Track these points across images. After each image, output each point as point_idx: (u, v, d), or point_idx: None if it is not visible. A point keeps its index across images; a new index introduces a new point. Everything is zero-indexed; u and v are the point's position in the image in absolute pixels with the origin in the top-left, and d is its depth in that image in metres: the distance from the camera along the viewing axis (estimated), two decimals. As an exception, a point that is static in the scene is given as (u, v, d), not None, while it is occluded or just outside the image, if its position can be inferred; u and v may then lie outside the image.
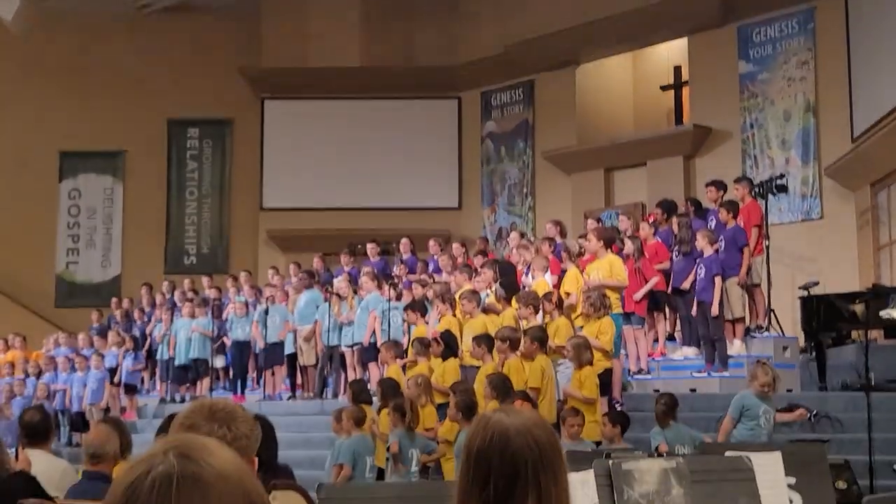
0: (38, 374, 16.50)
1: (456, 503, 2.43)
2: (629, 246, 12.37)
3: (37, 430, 6.52)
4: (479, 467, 2.37)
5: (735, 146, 17.36)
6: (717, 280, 11.52)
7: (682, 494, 3.89)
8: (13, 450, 7.33)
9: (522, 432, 2.38)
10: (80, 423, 15.55)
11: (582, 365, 9.53)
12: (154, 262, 21.51)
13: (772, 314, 12.49)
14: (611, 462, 3.96)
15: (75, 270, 22.13)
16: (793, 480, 4.95)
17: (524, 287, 11.90)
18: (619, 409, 10.17)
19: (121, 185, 22.26)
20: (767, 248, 12.34)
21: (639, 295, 12.17)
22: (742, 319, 12.05)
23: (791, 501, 4.90)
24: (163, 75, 21.64)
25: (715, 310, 11.50)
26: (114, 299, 19.00)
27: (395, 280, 14.21)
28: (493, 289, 11.57)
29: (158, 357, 16.27)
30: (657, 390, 10.96)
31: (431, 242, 15.93)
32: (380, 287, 13.64)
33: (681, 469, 3.93)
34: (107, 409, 15.17)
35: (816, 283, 12.86)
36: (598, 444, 8.88)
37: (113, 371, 15.99)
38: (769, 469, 4.84)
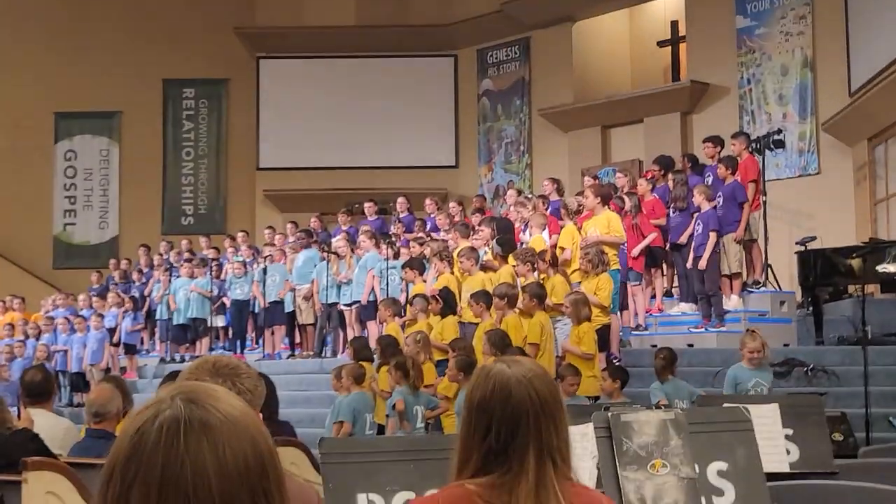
0: (38, 336, 16.54)
1: (458, 454, 2.46)
2: (627, 203, 12.40)
3: (38, 389, 6.55)
4: (481, 418, 2.40)
5: (732, 102, 17.33)
6: (712, 235, 11.54)
7: (680, 445, 3.93)
8: (15, 409, 7.39)
9: (523, 383, 2.40)
10: (80, 383, 15.62)
11: (580, 321, 9.57)
12: (151, 223, 21.52)
13: (769, 269, 12.52)
14: (610, 414, 4.00)
15: (73, 232, 22.12)
16: (790, 431, 5.01)
17: (521, 244, 11.93)
18: (617, 364, 10.21)
19: (117, 146, 22.20)
20: (764, 203, 12.35)
21: (636, 251, 12.22)
22: (739, 275, 12.08)
23: (788, 452, 4.96)
24: (158, 35, 21.51)
25: (703, 264, 11.53)
26: (112, 260, 19.04)
27: (393, 239, 14.22)
28: (491, 246, 11.58)
29: (157, 317, 16.30)
30: (655, 346, 11.01)
31: (428, 201, 15.93)
32: (378, 246, 13.66)
33: (679, 420, 3.97)
34: (107, 370, 15.22)
35: (814, 239, 12.89)
36: (595, 398, 8.93)
37: (112, 331, 16.04)
38: (767, 420, 4.90)
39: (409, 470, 3.61)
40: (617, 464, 3.87)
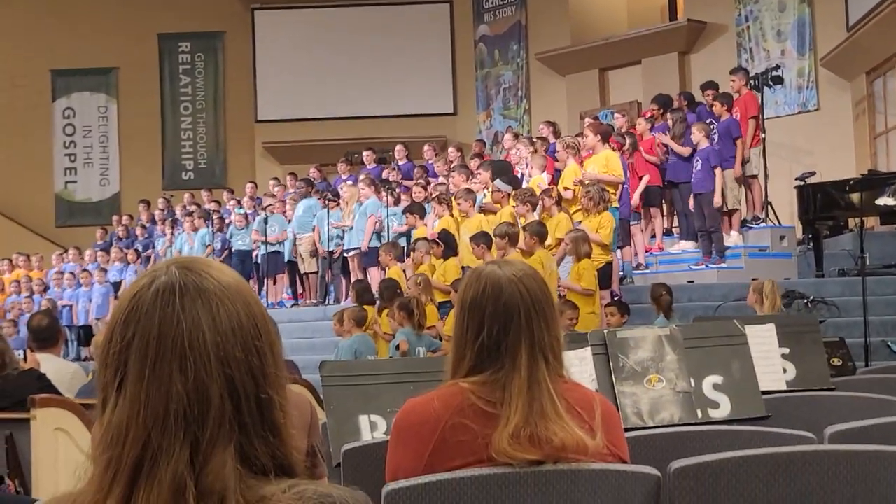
0: (44, 292, 16.65)
1: (452, 354, 2.51)
2: (626, 142, 12.39)
3: (45, 334, 6.60)
4: (473, 316, 2.45)
5: (730, 40, 17.24)
6: (718, 171, 11.55)
7: (675, 360, 4.00)
8: (21, 354, 7.47)
9: (514, 282, 2.45)
10: (87, 337, 15.74)
11: (580, 258, 9.63)
12: (152, 179, 21.55)
13: (769, 206, 12.55)
14: (606, 332, 4.07)
15: (74, 189, 22.15)
16: (786, 350, 5.06)
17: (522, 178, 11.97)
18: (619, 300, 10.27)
19: (115, 103, 22.16)
20: (764, 140, 12.34)
21: (635, 199, 12.22)
22: (737, 211, 12.12)
23: (785, 370, 5.01)
24: (152, -11, 21.46)
25: (718, 200, 11.55)
26: (114, 217, 19.10)
27: (392, 185, 14.25)
28: (493, 186, 11.58)
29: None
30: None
31: (426, 147, 15.93)
32: (377, 192, 13.69)
33: (674, 336, 4.03)
34: (113, 323, 15.31)
35: (813, 174, 12.90)
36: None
37: (117, 286, 16.14)
38: (763, 339, 4.95)
39: (410, 391, 3.65)
40: (613, 379, 3.94)
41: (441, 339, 9.61)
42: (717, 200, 11.56)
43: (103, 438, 1.36)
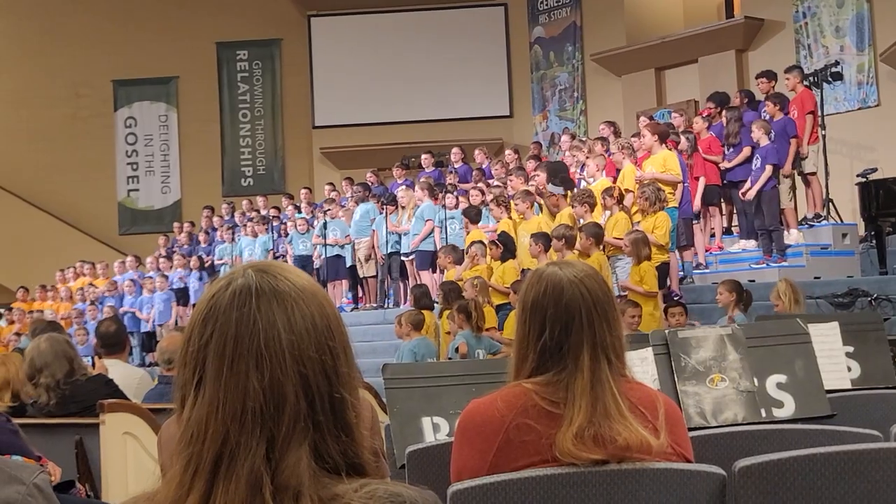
0: (103, 299, 16.93)
1: (514, 355, 2.54)
2: (683, 142, 12.32)
3: (112, 340, 6.73)
4: (535, 317, 2.47)
5: (788, 37, 17.06)
6: (768, 168, 11.45)
7: (738, 359, 3.98)
8: (89, 360, 7.61)
9: (575, 283, 2.47)
10: (150, 343, 15.97)
11: (640, 260, 9.60)
12: (212, 186, 21.82)
13: (830, 203, 12.40)
14: (667, 332, 4.06)
15: (136, 198, 22.51)
16: (851, 349, 5.01)
17: (579, 182, 11.94)
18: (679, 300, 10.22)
19: (175, 111, 22.48)
20: (824, 137, 12.20)
21: (697, 204, 12.13)
22: (790, 209, 12.01)
23: (850, 369, 4.97)
24: (210, -1, 21.78)
25: (750, 194, 11.45)
26: (175, 224, 19.38)
27: (449, 188, 14.29)
28: (548, 188, 11.57)
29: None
30: (716, 283, 10.98)
31: (477, 152, 15.96)
32: (433, 196, 13.74)
33: (737, 335, 4.01)
34: (177, 328, 15.52)
35: (875, 171, 12.71)
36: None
37: (179, 292, 16.36)
38: (827, 338, 4.91)
39: (472, 393, 3.69)
40: (676, 379, 3.93)
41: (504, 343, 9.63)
42: (750, 194, 11.44)
43: (183, 436, 1.40)
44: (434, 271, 13.07)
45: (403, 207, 14.06)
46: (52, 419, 5.29)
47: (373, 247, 14.60)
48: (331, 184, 17.45)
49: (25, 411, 5.28)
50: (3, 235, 20.65)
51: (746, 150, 11.95)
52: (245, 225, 16.63)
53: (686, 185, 11.55)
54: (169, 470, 1.43)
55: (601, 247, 10.09)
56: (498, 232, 11.40)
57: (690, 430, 2.87)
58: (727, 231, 13.13)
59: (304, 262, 15.43)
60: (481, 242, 11.39)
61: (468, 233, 12.63)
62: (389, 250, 14.07)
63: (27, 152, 21.54)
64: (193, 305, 15.41)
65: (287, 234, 16.16)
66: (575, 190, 11.45)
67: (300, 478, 1.37)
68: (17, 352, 7.37)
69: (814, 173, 12.18)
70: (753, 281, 11.54)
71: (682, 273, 11.62)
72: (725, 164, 12.37)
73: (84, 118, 21.92)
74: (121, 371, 6.50)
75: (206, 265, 16.92)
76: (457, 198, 13.81)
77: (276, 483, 1.36)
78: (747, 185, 11.59)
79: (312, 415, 1.40)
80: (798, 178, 12.18)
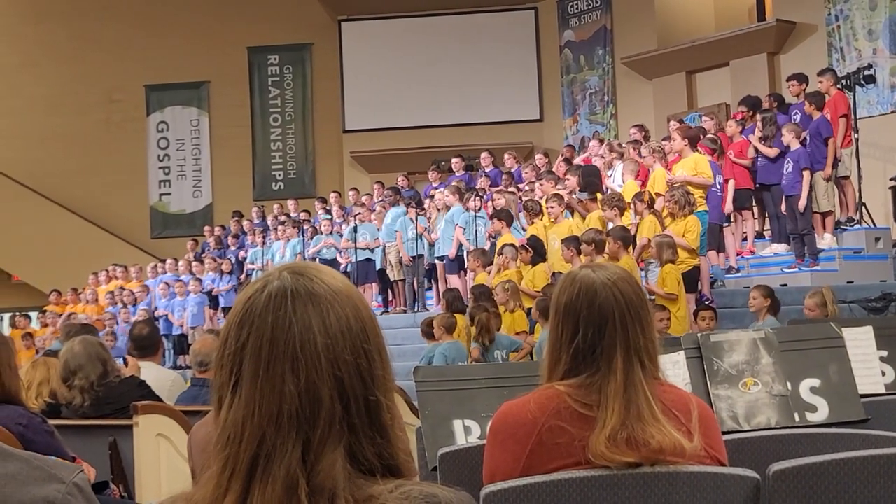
0: (135, 302, 17.03)
1: (547, 357, 2.54)
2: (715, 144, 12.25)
3: (146, 342, 6.77)
4: (568, 320, 2.47)
5: (820, 40, 16.94)
6: (806, 174, 11.37)
7: (771, 363, 3.96)
8: (121, 361, 7.65)
9: (608, 286, 2.47)
10: (183, 346, 16.06)
11: (663, 263, 9.59)
12: (243, 189, 21.96)
13: (863, 207, 12.30)
14: (699, 335, 4.04)
15: (168, 202, 22.68)
16: (885, 353, 4.97)
17: (607, 189, 11.90)
18: (709, 304, 10.17)
19: (206, 116, 22.64)
20: (856, 140, 12.10)
21: (728, 206, 12.03)
22: (831, 213, 11.89)
23: (884, 373, 4.93)
24: (241, 4, 21.88)
25: (803, 203, 11.37)
26: (206, 227, 19.49)
27: (479, 193, 14.28)
28: (576, 193, 11.55)
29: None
30: (748, 287, 10.92)
31: (507, 156, 15.94)
32: (461, 200, 13.73)
33: (769, 339, 3.99)
34: (209, 331, 15.60)
35: (909, 174, 12.63)
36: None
37: (210, 295, 16.44)
38: (861, 342, 4.87)
39: (503, 396, 3.68)
40: (708, 383, 3.92)
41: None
42: (802, 203, 11.36)
43: (220, 437, 1.41)
44: (464, 274, 13.07)
45: (439, 210, 14.06)
46: (86, 420, 5.32)
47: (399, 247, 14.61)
48: (355, 189, 17.49)
49: (60, 413, 5.33)
50: (37, 239, 20.85)
51: (773, 151, 11.83)
52: (276, 228, 16.70)
53: (716, 189, 11.48)
54: (200, 472, 1.44)
55: (630, 250, 10.06)
56: (528, 236, 11.38)
57: (723, 433, 2.86)
58: (758, 235, 13.05)
59: (332, 266, 15.46)
60: (512, 246, 11.38)
61: (489, 235, 12.61)
62: (416, 253, 14.07)
63: (61, 157, 21.76)
64: (223, 309, 15.43)
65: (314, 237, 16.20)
66: (603, 195, 11.42)
67: (335, 480, 1.38)
68: (49, 354, 7.43)
69: (847, 177, 12.09)
70: (786, 285, 11.47)
71: (712, 277, 11.56)
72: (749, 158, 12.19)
73: (117, 123, 22.12)
74: (154, 373, 6.54)
75: (237, 268, 16.98)
76: (486, 201, 13.81)
77: (311, 485, 1.37)
78: (802, 200, 11.35)
79: (348, 417, 1.41)
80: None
